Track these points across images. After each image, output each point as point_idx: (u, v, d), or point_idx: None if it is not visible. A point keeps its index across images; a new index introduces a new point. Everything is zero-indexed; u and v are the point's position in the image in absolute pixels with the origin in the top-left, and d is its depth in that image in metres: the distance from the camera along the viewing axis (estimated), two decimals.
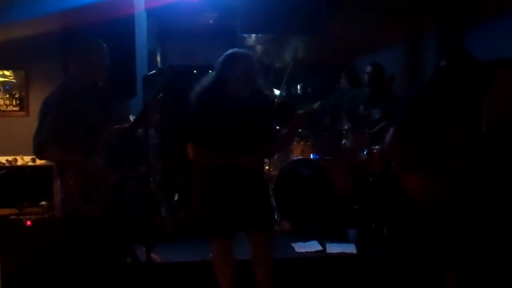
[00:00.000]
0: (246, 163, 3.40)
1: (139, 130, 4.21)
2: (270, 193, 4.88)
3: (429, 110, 3.19)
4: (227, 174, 3.43)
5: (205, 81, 3.54)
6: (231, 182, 3.44)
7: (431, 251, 3.31)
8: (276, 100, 4.00)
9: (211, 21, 7.12)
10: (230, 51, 3.53)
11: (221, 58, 3.51)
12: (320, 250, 4.65)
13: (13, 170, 4.91)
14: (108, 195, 3.30)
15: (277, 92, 5.65)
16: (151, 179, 4.70)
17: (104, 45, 3.35)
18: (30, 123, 5.07)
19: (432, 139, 3.19)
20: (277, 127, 4.07)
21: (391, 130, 3.31)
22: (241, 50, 3.55)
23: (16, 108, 5.31)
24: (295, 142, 5.82)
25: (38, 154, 3.16)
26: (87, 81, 3.30)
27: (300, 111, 3.60)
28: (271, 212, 3.72)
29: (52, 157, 3.22)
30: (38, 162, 4.94)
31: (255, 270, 3.65)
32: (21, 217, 4.31)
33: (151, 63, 6.40)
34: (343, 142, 5.78)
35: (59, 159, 3.19)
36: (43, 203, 4.46)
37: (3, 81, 5.30)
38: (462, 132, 3.23)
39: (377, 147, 5.45)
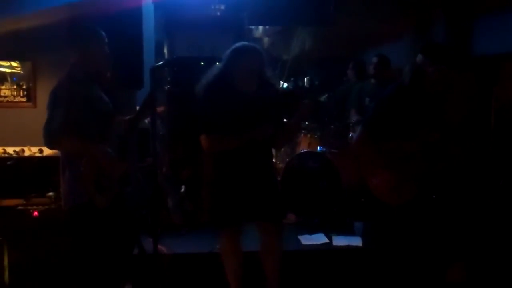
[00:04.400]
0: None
1: (146, 122, 4.22)
2: None
3: (396, 111, 3.15)
4: (236, 165, 3.42)
5: (211, 73, 3.50)
6: (240, 173, 3.43)
7: (425, 247, 3.27)
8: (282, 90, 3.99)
9: (218, 13, 7.10)
10: (238, 44, 3.48)
11: (228, 51, 3.47)
12: (326, 243, 4.66)
13: (20, 161, 4.94)
14: (117, 185, 3.28)
15: (283, 84, 5.63)
16: (158, 171, 4.70)
17: (103, 33, 3.30)
18: (37, 114, 5.13)
19: (400, 139, 3.14)
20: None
21: (359, 129, 3.30)
22: (250, 45, 3.50)
23: (24, 99, 5.34)
24: (302, 135, 5.81)
25: (50, 142, 3.06)
26: (91, 71, 3.26)
27: (306, 101, 3.57)
28: (280, 204, 3.71)
29: (65, 145, 3.09)
30: (46, 153, 4.96)
31: (263, 262, 3.65)
32: (28, 207, 4.33)
33: (158, 55, 6.39)
34: (350, 135, 5.77)
35: (72, 147, 3.09)
36: (50, 194, 4.48)
37: (11, 72, 5.32)
38: (443, 131, 3.14)
39: None
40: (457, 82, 3.24)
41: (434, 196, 3.18)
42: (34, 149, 5.03)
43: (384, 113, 3.19)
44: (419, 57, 3.19)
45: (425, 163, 3.11)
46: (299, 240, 4.70)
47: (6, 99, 5.31)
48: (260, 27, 7.76)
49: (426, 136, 3.11)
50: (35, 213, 4.27)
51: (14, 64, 5.32)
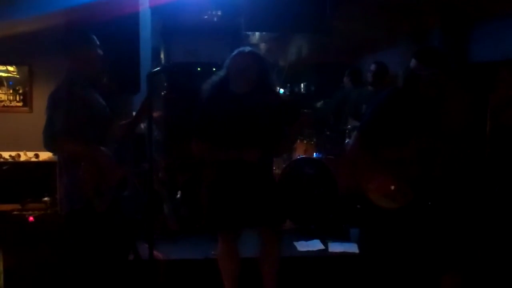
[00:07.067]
0: (246, 157, 3.39)
1: (142, 127, 4.21)
2: None
3: (391, 116, 3.12)
4: (235, 170, 3.43)
5: (215, 77, 3.56)
6: (239, 178, 3.44)
7: (419, 254, 3.25)
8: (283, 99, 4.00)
9: (215, 19, 7.11)
10: (239, 48, 3.54)
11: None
12: (322, 249, 4.65)
13: (16, 165, 4.93)
14: (115, 189, 3.27)
15: (280, 90, 5.63)
16: (154, 176, 4.70)
17: (95, 38, 3.30)
18: (33, 119, 5.14)
19: (395, 145, 3.11)
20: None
21: (355, 133, 3.30)
22: (247, 48, 3.55)
23: (20, 104, 5.33)
24: (298, 141, 5.81)
25: (51, 145, 3.09)
26: (86, 75, 3.27)
27: (306, 111, 3.58)
28: (279, 209, 3.70)
29: (67, 148, 3.11)
30: (41, 158, 4.96)
31: (261, 267, 3.64)
32: (24, 212, 4.32)
33: (155, 60, 6.40)
34: (346, 141, 5.78)
35: (73, 150, 3.10)
36: (45, 199, 4.47)
37: (7, 76, 5.32)
38: (438, 136, 3.12)
39: None
40: (451, 87, 3.23)
41: (429, 203, 3.17)
42: (30, 154, 5.01)
43: (379, 118, 3.17)
44: (413, 62, 3.16)
45: (420, 168, 3.09)
46: (295, 247, 4.69)
47: (2, 103, 5.31)
48: (257, 33, 7.76)
49: (421, 141, 3.09)
50: (31, 218, 4.25)
51: (10, 68, 5.32)
